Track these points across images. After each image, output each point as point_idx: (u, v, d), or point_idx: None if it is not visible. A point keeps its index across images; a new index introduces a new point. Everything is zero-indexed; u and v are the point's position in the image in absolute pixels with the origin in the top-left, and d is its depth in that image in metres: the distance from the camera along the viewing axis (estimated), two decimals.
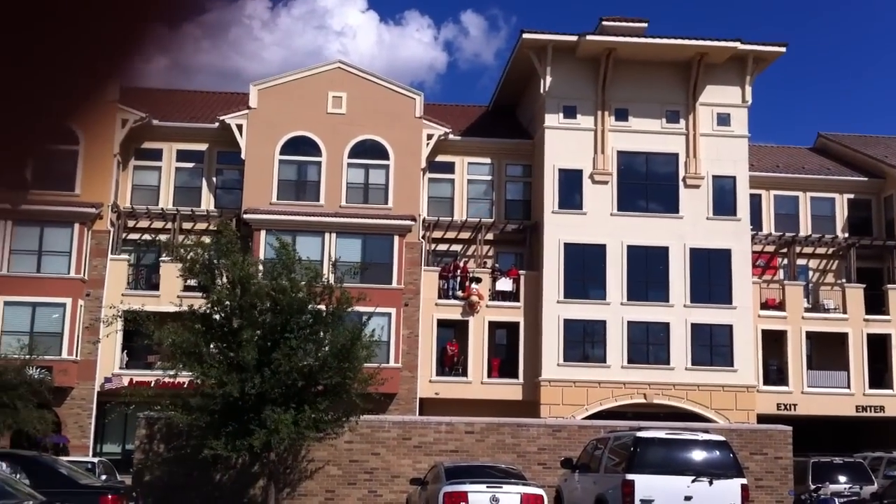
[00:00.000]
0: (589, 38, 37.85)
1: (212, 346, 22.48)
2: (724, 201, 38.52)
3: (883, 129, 76.93)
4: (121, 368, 35.75)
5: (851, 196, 42.15)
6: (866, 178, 42.05)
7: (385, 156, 38.07)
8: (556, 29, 39.02)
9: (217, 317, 22.66)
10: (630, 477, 16.76)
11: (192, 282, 25.75)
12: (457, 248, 39.81)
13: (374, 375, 22.71)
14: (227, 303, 22.40)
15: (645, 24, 39.66)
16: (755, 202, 40.24)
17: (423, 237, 38.24)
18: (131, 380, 33.56)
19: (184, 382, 24.26)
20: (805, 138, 67.28)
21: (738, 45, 38.28)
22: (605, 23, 39.47)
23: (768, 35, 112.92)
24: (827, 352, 39.49)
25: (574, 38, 37.94)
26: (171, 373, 22.30)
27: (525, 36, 38.05)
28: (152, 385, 27.07)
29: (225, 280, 22.72)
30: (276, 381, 21.31)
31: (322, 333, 22.81)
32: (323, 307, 22.80)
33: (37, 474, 16.92)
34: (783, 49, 39.31)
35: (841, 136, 46.82)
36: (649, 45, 38.28)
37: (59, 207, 35.24)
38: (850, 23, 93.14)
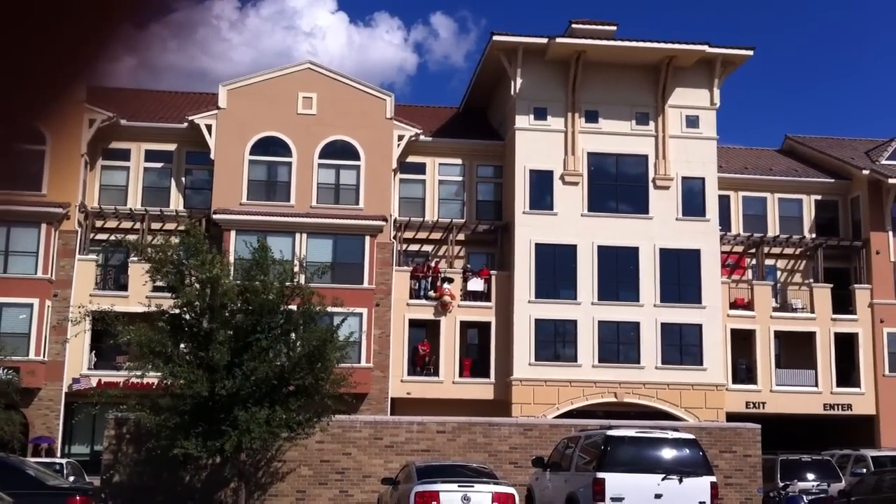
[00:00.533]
0: (559, 40, 38.00)
1: (181, 345, 22.37)
2: (693, 202, 38.83)
3: (848, 131, 77.91)
4: (89, 369, 35.43)
5: (818, 197, 42.61)
6: (833, 180, 42.52)
7: (356, 156, 38.01)
8: (526, 31, 39.26)
9: (187, 317, 22.56)
10: (601, 475, 16.86)
11: (160, 282, 25.61)
12: (428, 248, 39.84)
13: (347, 377, 22.70)
14: (197, 303, 22.31)
15: (614, 28, 39.89)
16: (724, 203, 40.59)
17: (395, 237, 38.23)
18: (100, 381, 33.20)
19: (153, 383, 24.12)
20: (772, 140, 68.08)
21: (706, 48, 38.59)
22: (574, 25, 39.65)
23: (736, 39, 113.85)
24: (795, 351, 39.91)
25: (544, 40, 38.06)
26: (139, 373, 22.16)
27: (495, 38, 38.14)
28: (121, 386, 26.86)
29: (194, 280, 22.62)
30: (247, 381, 21.24)
31: (293, 334, 22.78)
32: (294, 307, 22.77)
33: (3, 475, 16.75)
34: (750, 52, 39.68)
35: (808, 138, 47.30)
36: (619, 47, 38.51)
37: (26, 207, 34.93)
38: (816, 27, 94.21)
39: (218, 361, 21.06)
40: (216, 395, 21.07)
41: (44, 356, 34.79)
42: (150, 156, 38.82)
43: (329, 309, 23.23)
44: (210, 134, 37.46)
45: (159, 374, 22.00)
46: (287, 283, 22.73)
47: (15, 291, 34.72)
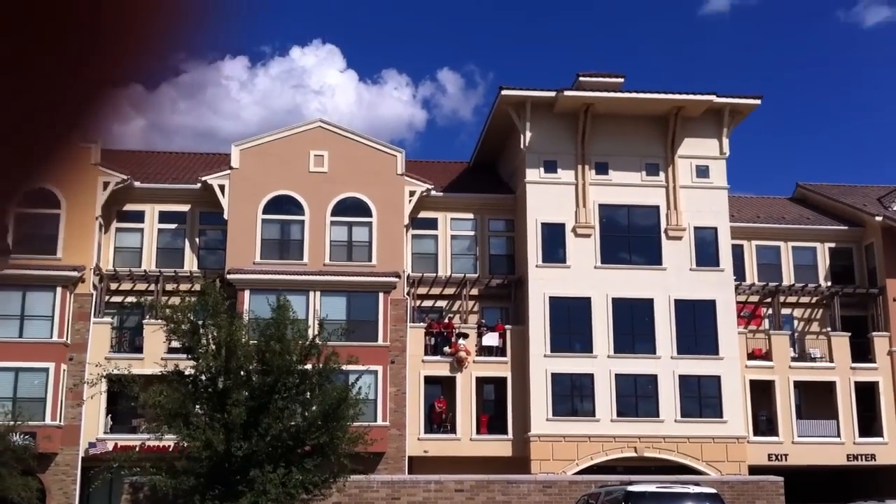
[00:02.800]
0: (567, 93, 38.25)
1: (197, 406, 22.29)
2: (706, 252, 38.70)
3: (860, 178, 77.84)
4: (105, 433, 35.24)
5: (832, 245, 42.41)
6: (846, 227, 42.35)
7: (368, 213, 38.13)
8: (534, 84, 39.45)
9: (203, 378, 22.51)
10: None
11: (176, 343, 25.60)
12: (442, 303, 39.71)
13: (363, 435, 22.53)
14: (213, 364, 22.26)
15: (622, 80, 40.12)
16: (737, 253, 40.42)
17: (408, 294, 38.16)
18: (116, 444, 33.06)
19: (169, 446, 23.97)
20: (784, 188, 67.93)
21: (713, 98, 38.75)
22: (582, 78, 39.92)
23: (744, 87, 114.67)
24: (815, 401, 39.42)
25: (552, 93, 38.33)
26: (157, 435, 22.07)
27: (504, 92, 38.42)
28: (137, 449, 26.69)
29: (210, 341, 22.60)
30: (264, 442, 21.12)
31: (309, 394, 22.68)
32: (310, 367, 22.69)
33: None
34: (758, 101, 39.80)
35: (819, 185, 47.24)
36: (627, 99, 38.70)
37: (42, 271, 35.14)
38: (824, 74, 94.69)
39: (235, 420, 20.95)
40: (232, 457, 20.93)
41: (60, 420, 34.66)
42: (164, 217, 39.04)
43: (344, 367, 23.12)
44: (223, 194, 37.67)
45: (176, 436, 21.88)
46: (304, 343, 22.69)
47: (31, 356, 34.71)
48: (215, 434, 20.81)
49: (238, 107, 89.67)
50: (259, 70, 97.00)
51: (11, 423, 30.61)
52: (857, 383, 39.06)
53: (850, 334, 39.72)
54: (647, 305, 37.72)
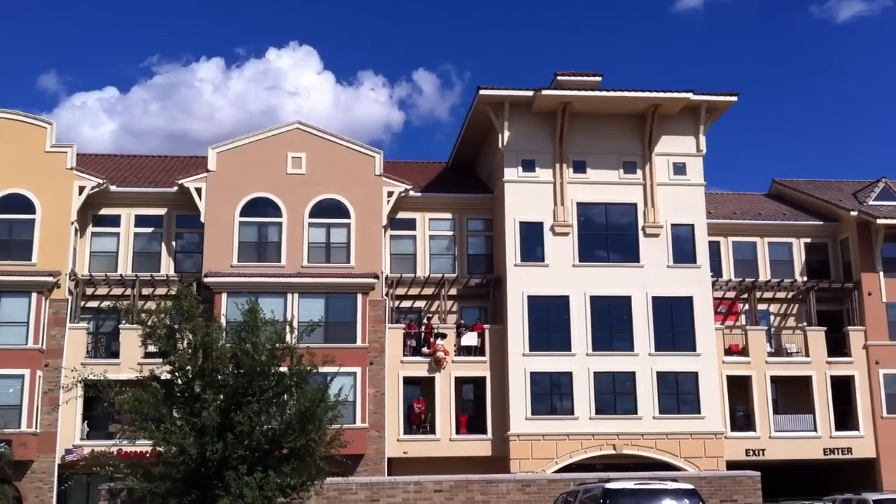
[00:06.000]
0: (545, 92, 38.32)
1: (173, 410, 22.13)
2: (683, 249, 38.89)
3: (835, 174, 78.47)
4: (81, 439, 35.01)
5: (808, 240, 42.72)
6: (822, 222, 42.69)
7: (346, 214, 38.09)
8: (512, 84, 39.49)
9: (178, 382, 22.35)
10: None
11: (152, 347, 25.43)
12: (420, 304, 39.71)
13: (338, 437, 22.43)
14: (189, 367, 22.12)
15: (599, 78, 40.26)
16: (714, 249, 40.64)
17: (387, 294, 38.13)
18: (92, 450, 32.75)
19: (146, 451, 23.82)
20: (760, 185, 68.36)
21: (690, 95, 38.94)
22: (559, 77, 40.03)
23: (719, 85, 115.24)
24: (792, 395, 39.69)
25: (530, 93, 38.40)
26: (132, 439, 21.90)
27: (482, 92, 38.46)
28: (115, 453, 26.52)
29: (186, 345, 22.47)
30: (238, 444, 21.00)
31: (285, 396, 22.56)
32: (286, 369, 22.56)
33: None
34: (734, 98, 39.98)
35: (795, 181, 47.58)
36: (604, 97, 38.84)
37: (16, 277, 34.99)
38: (799, 70, 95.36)
39: (206, 422, 20.79)
40: (208, 461, 20.81)
41: (36, 427, 34.41)
42: (140, 221, 38.83)
43: (321, 368, 23.02)
44: (200, 197, 37.53)
45: (151, 441, 21.72)
46: (278, 345, 22.55)
47: (6, 363, 34.49)
48: (186, 438, 20.68)
49: (212, 109, 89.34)
50: (234, 72, 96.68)
51: None
52: (833, 377, 39.37)
53: (825, 329, 40.05)
54: (624, 303, 37.87)
